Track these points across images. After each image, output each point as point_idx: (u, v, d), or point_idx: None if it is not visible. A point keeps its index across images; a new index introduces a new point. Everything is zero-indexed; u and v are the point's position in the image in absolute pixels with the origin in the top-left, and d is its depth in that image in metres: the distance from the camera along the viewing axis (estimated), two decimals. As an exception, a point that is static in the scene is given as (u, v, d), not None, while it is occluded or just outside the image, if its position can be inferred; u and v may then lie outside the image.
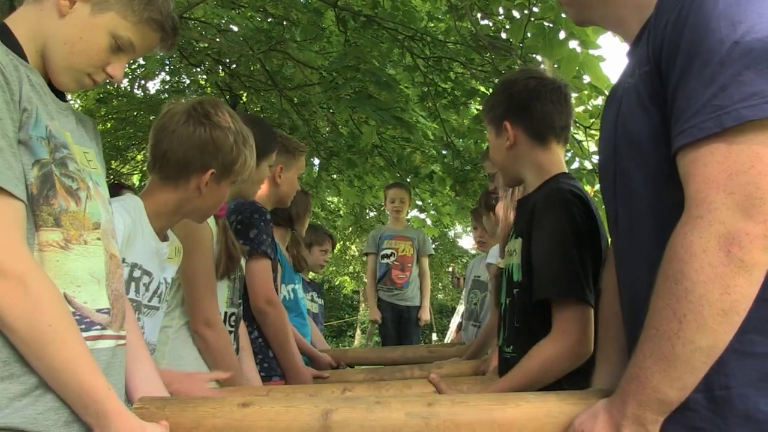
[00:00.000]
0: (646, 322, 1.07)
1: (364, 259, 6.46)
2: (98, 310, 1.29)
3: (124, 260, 1.65)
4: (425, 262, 5.80)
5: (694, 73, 1.02)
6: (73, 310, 1.23)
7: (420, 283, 5.74)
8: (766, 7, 1.00)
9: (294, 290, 3.37)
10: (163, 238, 1.83)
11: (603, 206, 1.42)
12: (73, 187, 1.27)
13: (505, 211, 2.44)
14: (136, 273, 1.72)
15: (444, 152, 6.42)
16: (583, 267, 1.65)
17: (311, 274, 4.65)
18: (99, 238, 1.31)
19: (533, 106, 1.85)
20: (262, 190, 2.79)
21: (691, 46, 1.03)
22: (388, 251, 5.65)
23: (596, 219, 1.78)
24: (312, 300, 4.19)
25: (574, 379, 1.61)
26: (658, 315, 1.04)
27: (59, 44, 1.32)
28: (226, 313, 2.25)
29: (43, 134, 1.22)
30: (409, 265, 5.64)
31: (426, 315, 5.74)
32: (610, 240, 1.40)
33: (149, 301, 1.79)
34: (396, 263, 5.62)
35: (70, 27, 1.31)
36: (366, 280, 6.09)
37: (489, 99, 2.00)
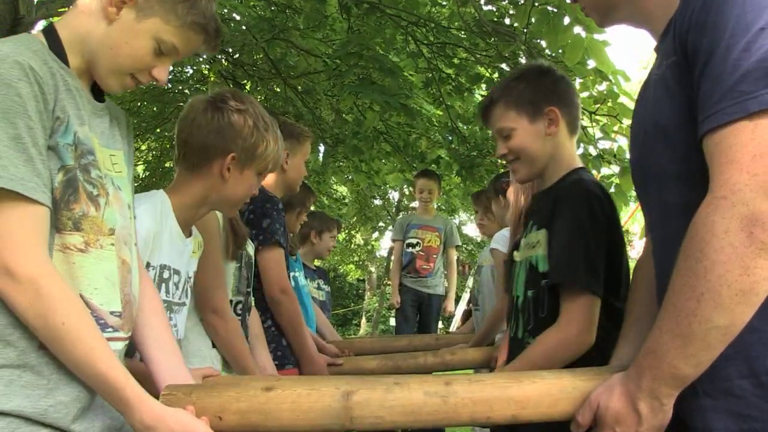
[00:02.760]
0: (665, 299, 1.08)
1: (373, 238, 6.45)
2: (111, 313, 1.34)
3: (149, 264, 1.68)
4: (452, 252, 5.77)
5: (720, 58, 1.03)
6: (90, 311, 1.28)
7: (446, 274, 5.74)
8: None
9: (295, 278, 3.40)
10: (188, 233, 1.84)
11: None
12: (94, 193, 1.31)
13: (515, 195, 2.44)
14: (166, 274, 1.74)
15: (450, 138, 6.40)
16: (595, 258, 1.67)
17: (316, 261, 4.66)
18: (112, 244, 1.35)
19: (573, 96, 1.87)
20: (270, 178, 2.81)
21: (716, 32, 1.04)
22: (414, 240, 5.62)
23: (616, 213, 1.80)
24: (318, 288, 4.20)
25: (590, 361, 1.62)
26: (677, 292, 1.05)
27: (106, 49, 1.36)
28: (231, 301, 2.28)
29: (70, 141, 1.27)
30: (435, 256, 5.60)
31: (451, 306, 5.78)
32: (645, 229, 1.41)
33: (179, 298, 1.82)
34: (421, 253, 5.59)
35: (116, 32, 1.35)
36: (392, 267, 6.08)
37: (512, 86, 1.91)
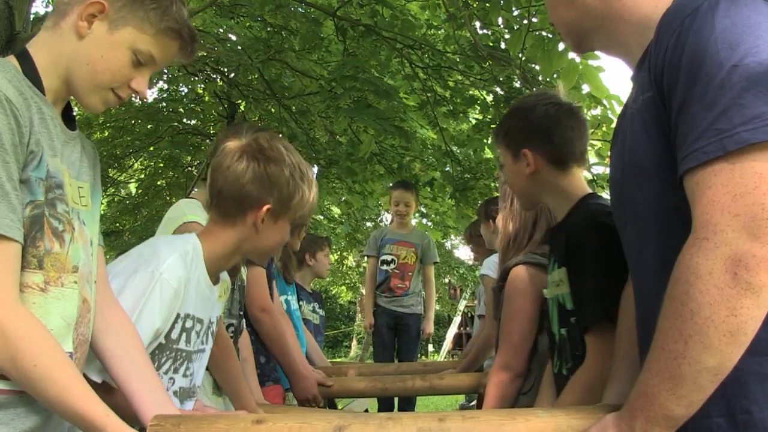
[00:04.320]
0: (654, 341, 1.08)
1: (365, 260, 5.90)
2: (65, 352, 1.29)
3: (179, 315, 1.65)
4: (430, 270, 5.46)
5: (695, 97, 1.03)
6: None
7: (424, 293, 5.39)
8: (762, 29, 1.01)
9: (287, 301, 3.41)
10: (215, 280, 1.80)
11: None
12: (59, 229, 1.28)
13: (504, 222, 2.44)
14: (189, 323, 1.70)
15: (444, 160, 6.40)
16: (613, 293, 1.63)
17: (313, 283, 4.64)
18: (75, 282, 1.32)
19: (554, 133, 1.83)
20: None
21: (691, 71, 1.04)
22: (389, 257, 5.27)
23: None
24: (314, 311, 4.19)
25: None
26: (664, 335, 1.05)
27: (81, 66, 1.32)
28: (223, 323, 2.25)
29: (42, 175, 1.24)
30: (410, 273, 5.26)
31: (429, 328, 5.46)
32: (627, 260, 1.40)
33: (200, 346, 1.79)
34: (396, 271, 5.25)
35: (90, 47, 1.32)
36: (365, 286, 5.78)
37: (503, 124, 1.96)
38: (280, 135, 6.30)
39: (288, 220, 1.76)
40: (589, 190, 1.90)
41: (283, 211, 1.72)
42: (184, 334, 1.69)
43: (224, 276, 1.90)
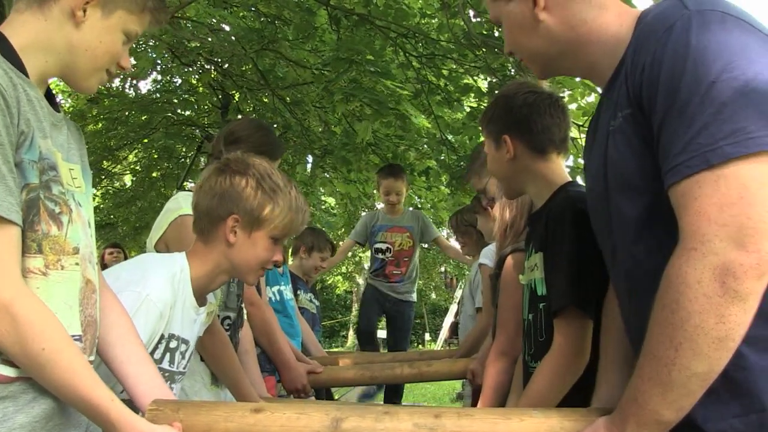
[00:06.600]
0: (644, 348, 1.11)
1: (360, 250, 5.79)
2: (71, 337, 1.28)
3: (163, 336, 1.66)
4: (440, 240, 5.45)
5: (675, 113, 1.06)
6: None
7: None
8: (737, 44, 1.04)
9: (280, 291, 3.41)
10: (202, 302, 1.81)
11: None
12: (56, 211, 1.27)
13: (501, 210, 2.45)
14: (173, 343, 1.71)
15: (439, 148, 6.39)
16: (587, 280, 1.65)
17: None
18: (77, 263, 1.31)
19: (533, 120, 1.85)
20: None
21: (670, 88, 1.07)
22: (383, 245, 5.14)
23: None
24: (310, 301, 4.18)
25: (576, 397, 1.62)
26: (655, 342, 1.07)
27: (80, 53, 1.33)
28: (218, 316, 2.25)
29: (35, 157, 1.22)
30: (406, 259, 5.15)
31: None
32: (608, 271, 1.42)
33: (184, 368, 1.79)
34: (392, 258, 5.13)
35: (87, 34, 1.32)
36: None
37: (486, 112, 1.99)
38: (275, 126, 6.29)
39: (266, 234, 1.74)
40: (569, 178, 1.93)
41: (254, 224, 1.72)
42: (167, 354, 1.70)
43: (211, 298, 1.91)
